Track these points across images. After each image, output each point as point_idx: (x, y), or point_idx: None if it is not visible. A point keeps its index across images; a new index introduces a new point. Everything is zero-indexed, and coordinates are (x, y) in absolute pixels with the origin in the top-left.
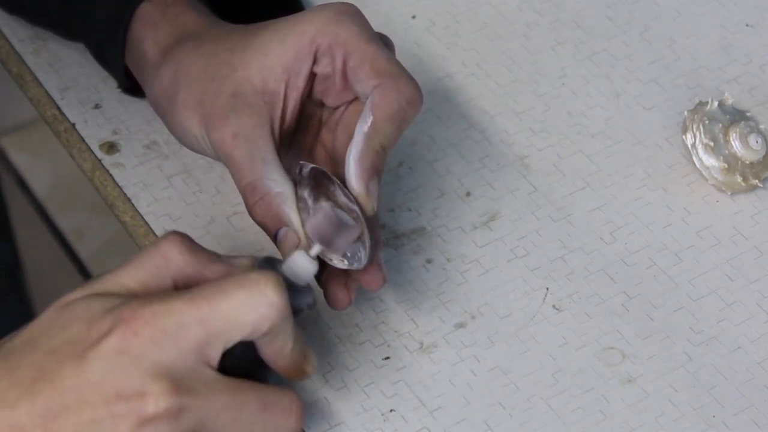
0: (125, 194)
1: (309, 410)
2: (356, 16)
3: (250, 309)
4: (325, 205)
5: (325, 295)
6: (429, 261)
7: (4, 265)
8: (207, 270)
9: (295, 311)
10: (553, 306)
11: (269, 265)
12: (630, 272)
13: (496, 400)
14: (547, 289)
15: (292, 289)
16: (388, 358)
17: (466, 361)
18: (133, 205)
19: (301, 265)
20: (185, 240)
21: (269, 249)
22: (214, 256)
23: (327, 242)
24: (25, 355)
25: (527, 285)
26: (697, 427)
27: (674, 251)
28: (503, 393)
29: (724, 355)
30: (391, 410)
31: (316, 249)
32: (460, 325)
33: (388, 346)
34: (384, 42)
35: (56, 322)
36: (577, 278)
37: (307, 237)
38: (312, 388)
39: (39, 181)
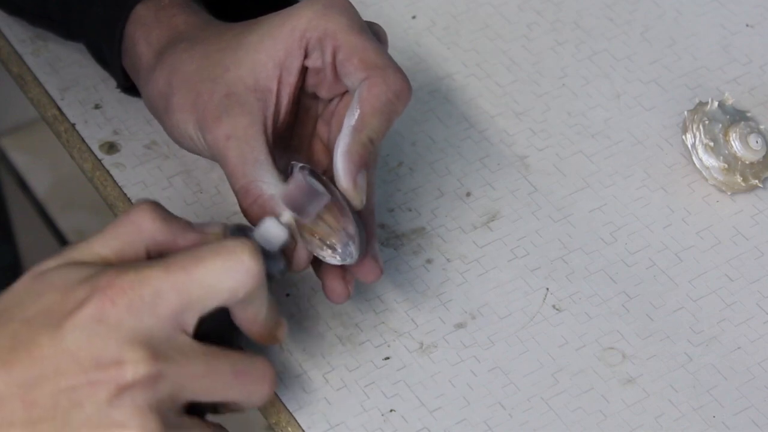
0: (125, 194)
1: (309, 410)
2: (345, 8)
3: (226, 276)
4: (298, 174)
5: (324, 289)
6: (429, 261)
7: (4, 266)
8: (179, 238)
9: (268, 277)
10: (553, 306)
11: (241, 232)
12: (630, 272)
13: (496, 400)
14: (547, 289)
15: (264, 255)
16: (388, 358)
17: (466, 361)
18: (133, 205)
19: (272, 231)
20: (157, 208)
21: None
22: (185, 224)
23: (297, 209)
24: (0, 325)
25: (527, 285)
26: (697, 427)
27: (674, 251)
28: (503, 393)
29: (724, 355)
30: (391, 410)
31: (286, 215)
32: (460, 326)
33: (388, 346)
34: (375, 32)
35: (31, 290)
36: (577, 278)
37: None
38: (312, 389)
39: (39, 181)
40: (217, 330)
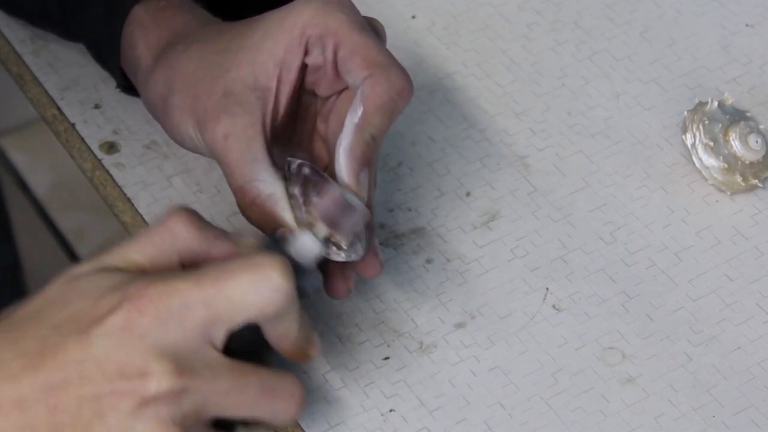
0: (125, 194)
1: (309, 410)
2: (345, 5)
3: (255, 292)
4: (333, 187)
5: (325, 286)
6: (429, 261)
7: (4, 265)
8: (213, 247)
9: (301, 293)
10: (553, 306)
11: (276, 245)
12: (630, 272)
13: (496, 400)
14: (547, 289)
15: (297, 271)
16: (387, 358)
17: (465, 361)
18: (132, 205)
19: (307, 246)
20: (192, 216)
21: None
22: (220, 233)
23: (334, 224)
24: (30, 327)
25: (527, 285)
26: (697, 427)
27: (674, 251)
28: (503, 393)
29: (724, 355)
30: (390, 410)
31: (322, 231)
32: (460, 325)
33: (388, 346)
34: (373, 27)
35: (62, 296)
36: (577, 278)
37: (314, 218)
38: (312, 388)
39: (39, 181)
40: (248, 346)
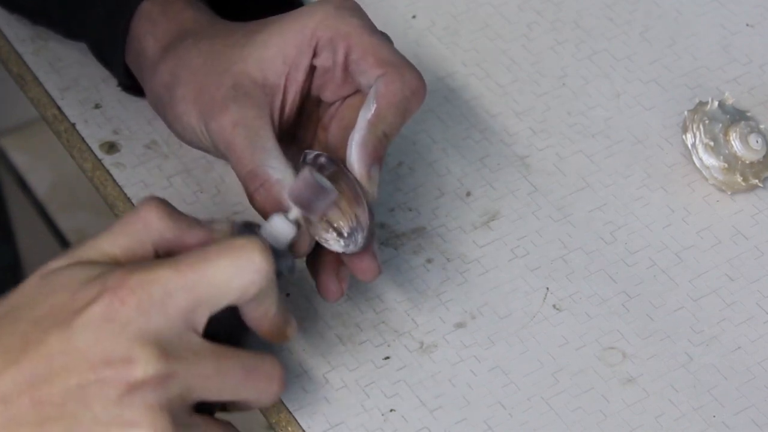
0: (125, 194)
1: (309, 410)
2: (356, 10)
3: (237, 275)
4: (305, 170)
5: (317, 286)
6: (429, 261)
7: (4, 266)
8: (186, 235)
9: (277, 275)
10: (554, 306)
11: (248, 229)
12: (630, 272)
13: (496, 400)
14: (548, 289)
15: (272, 252)
16: (388, 358)
17: (466, 361)
18: (133, 204)
19: (280, 228)
20: (164, 205)
21: None
22: (192, 221)
23: (304, 205)
24: (9, 325)
25: (527, 285)
26: (697, 427)
27: (674, 251)
28: (503, 393)
29: (724, 355)
30: (391, 410)
31: (294, 212)
32: (460, 325)
33: (388, 346)
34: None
35: (40, 291)
36: (577, 278)
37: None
38: (312, 388)
39: (39, 181)
40: (226, 329)
